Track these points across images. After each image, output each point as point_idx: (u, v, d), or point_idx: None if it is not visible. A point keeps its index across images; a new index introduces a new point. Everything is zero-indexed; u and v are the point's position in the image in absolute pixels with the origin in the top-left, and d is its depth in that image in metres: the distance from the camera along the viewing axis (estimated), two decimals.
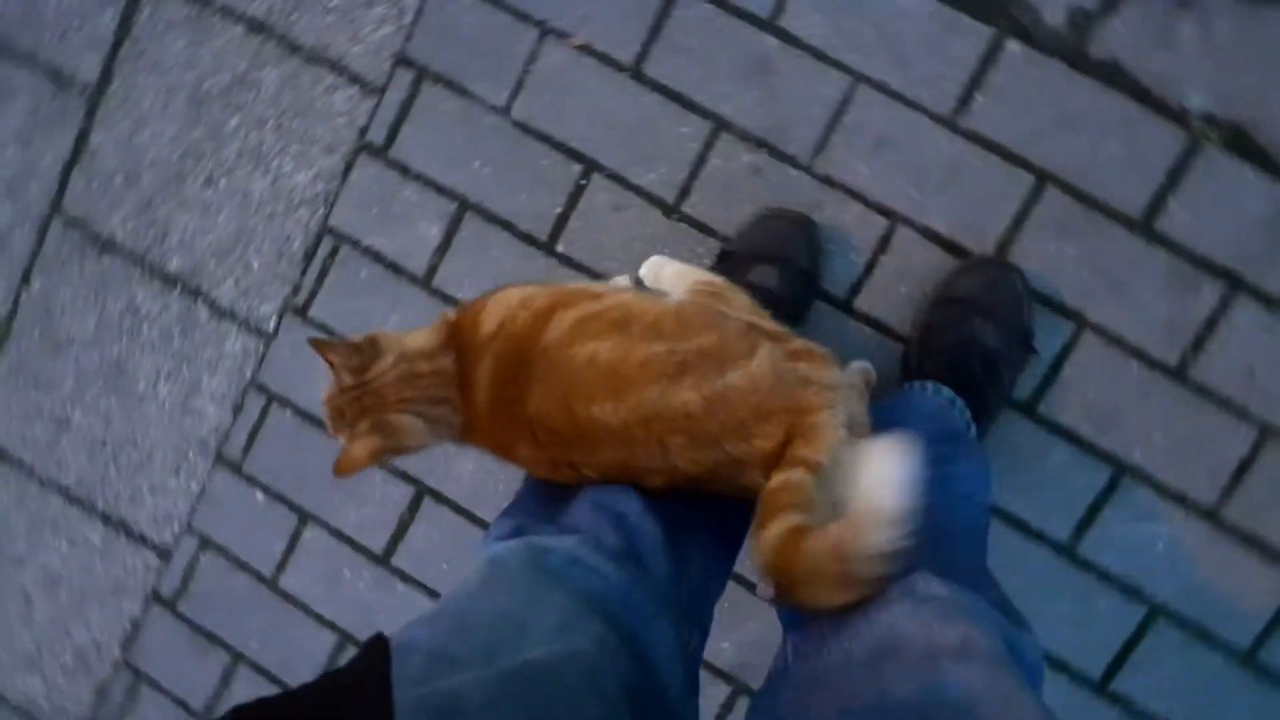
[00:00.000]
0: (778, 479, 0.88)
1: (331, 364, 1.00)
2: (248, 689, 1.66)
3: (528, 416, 0.96)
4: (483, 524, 1.55)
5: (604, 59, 1.43)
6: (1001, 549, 1.36)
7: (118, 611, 1.71)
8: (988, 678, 0.69)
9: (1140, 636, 1.38)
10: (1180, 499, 1.35)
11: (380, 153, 1.50)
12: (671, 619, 0.85)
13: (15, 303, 1.67)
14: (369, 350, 1.00)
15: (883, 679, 0.72)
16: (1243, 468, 1.33)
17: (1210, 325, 1.32)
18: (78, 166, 1.60)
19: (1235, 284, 1.31)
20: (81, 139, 1.59)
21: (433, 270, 1.51)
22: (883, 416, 1.32)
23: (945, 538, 0.99)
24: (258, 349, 1.59)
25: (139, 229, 1.60)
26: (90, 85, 1.58)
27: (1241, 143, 1.28)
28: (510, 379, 0.98)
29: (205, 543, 1.65)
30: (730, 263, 1.37)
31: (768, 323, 1.02)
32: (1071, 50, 1.31)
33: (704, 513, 1.03)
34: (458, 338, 1.03)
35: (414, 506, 1.57)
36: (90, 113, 1.59)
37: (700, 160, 1.42)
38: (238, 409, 1.61)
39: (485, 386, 0.99)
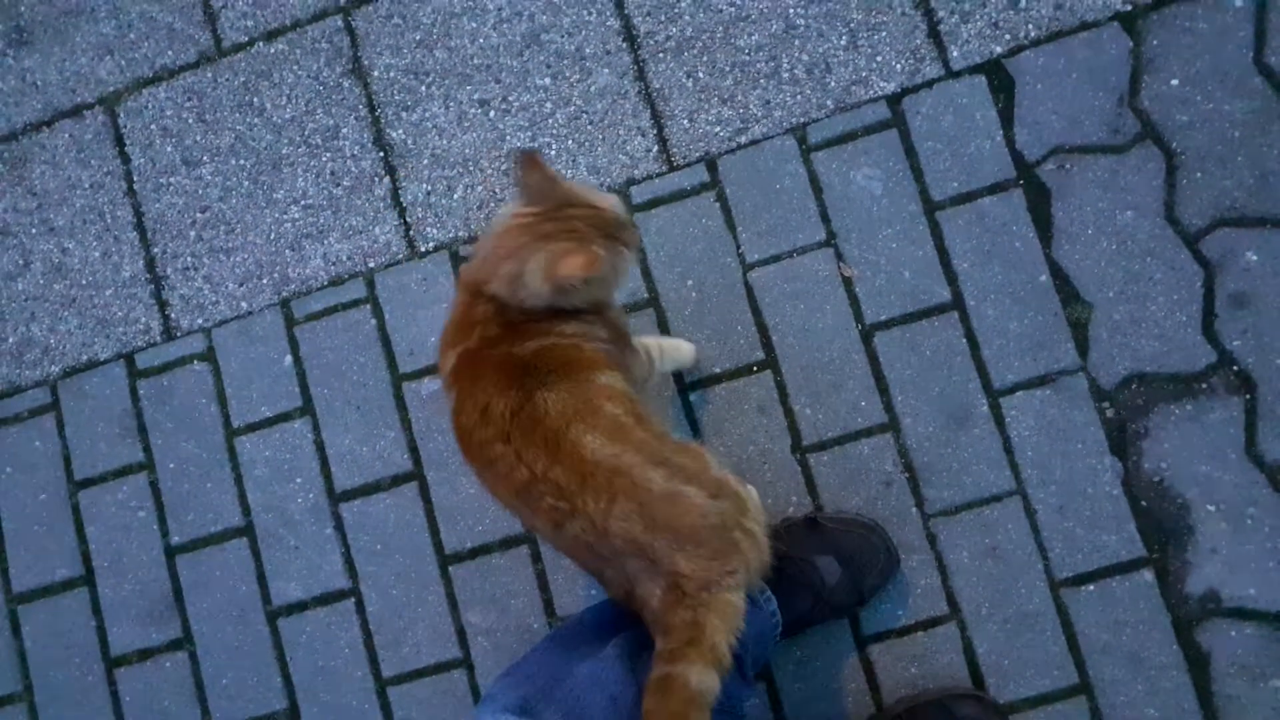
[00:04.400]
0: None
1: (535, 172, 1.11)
2: (129, 496, 1.59)
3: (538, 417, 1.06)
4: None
5: (853, 296, 1.48)
6: None
7: (87, 341, 1.63)
8: None
9: None
10: None
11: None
12: None
13: (249, 42, 1.64)
14: None
15: None
16: None
17: None
18: None
19: None
20: None
21: None
22: None
23: None
24: (398, 254, 1.57)
25: (396, 83, 1.59)
26: None
27: None
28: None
29: (210, 355, 1.60)
30: (811, 530, 1.40)
31: (738, 485, 1.13)
32: (1182, 621, 1.38)
33: None
34: None
35: (401, 480, 1.54)
36: None
37: (855, 435, 1.45)
38: (336, 282, 1.58)
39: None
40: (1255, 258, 1.42)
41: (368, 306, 1.56)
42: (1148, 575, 1.39)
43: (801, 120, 1.51)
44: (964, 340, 1.45)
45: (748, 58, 1.53)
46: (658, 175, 1.53)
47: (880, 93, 1.50)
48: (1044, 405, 1.43)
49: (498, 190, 1.56)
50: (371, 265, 1.57)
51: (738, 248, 1.51)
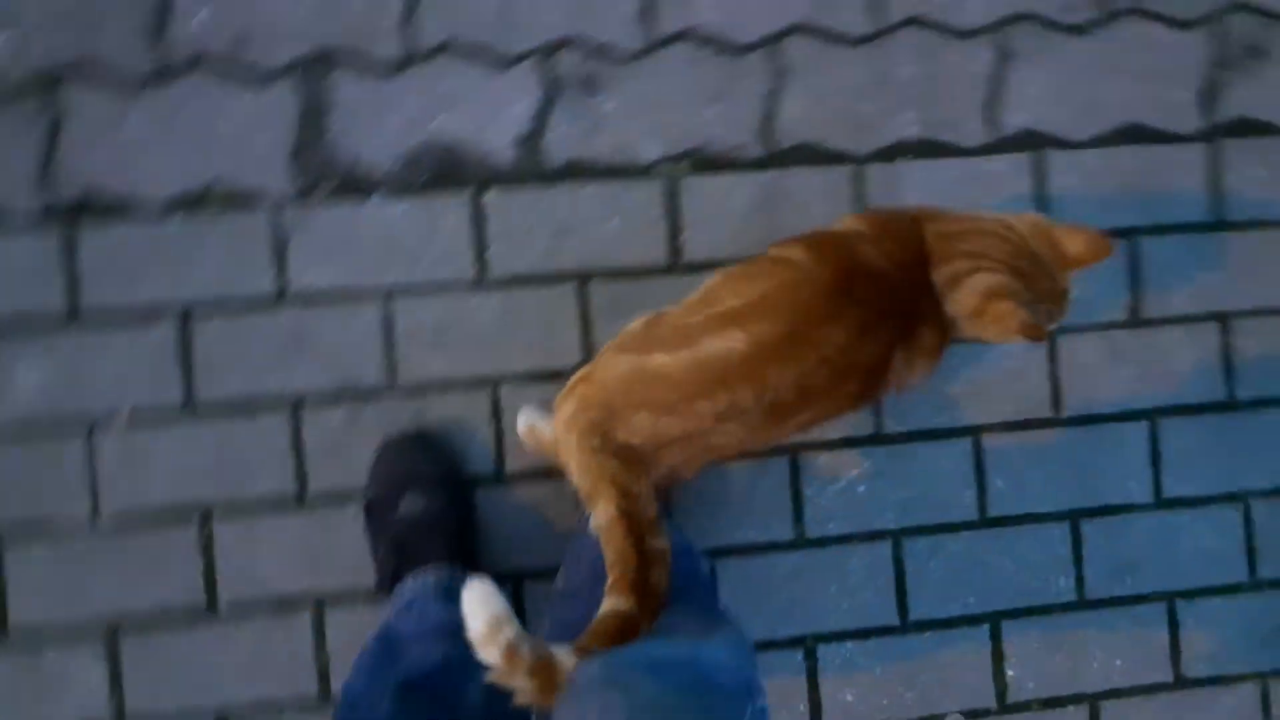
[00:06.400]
0: None
1: None
2: None
3: None
4: None
5: (157, 416, 1.39)
6: None
7: None
8: None
9: None
10: None
11: None
12: None
13: None
14: None
15: None
16: None
17: None
18: None
19: None
20: None
21: None
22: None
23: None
24: None
25: None
26: None
27: (705, 164, 1.44)
28: None
29: None
30: (377, 511, 1.34)
31: None
32: (534, 170, 1.43)
33: None
34: None
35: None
36: None
37: (297, 444, 1.39)
38: None
39: None
40: None
41: None
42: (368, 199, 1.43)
43: None
44: None
45: None
46: None
47: None
48: None
49: None
50: None
51: None
